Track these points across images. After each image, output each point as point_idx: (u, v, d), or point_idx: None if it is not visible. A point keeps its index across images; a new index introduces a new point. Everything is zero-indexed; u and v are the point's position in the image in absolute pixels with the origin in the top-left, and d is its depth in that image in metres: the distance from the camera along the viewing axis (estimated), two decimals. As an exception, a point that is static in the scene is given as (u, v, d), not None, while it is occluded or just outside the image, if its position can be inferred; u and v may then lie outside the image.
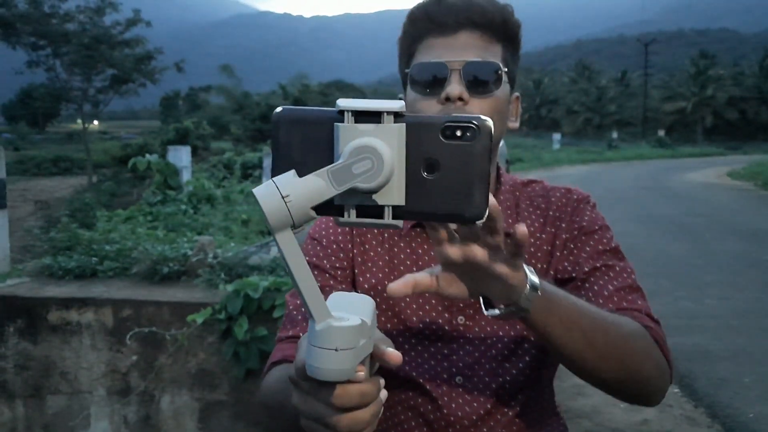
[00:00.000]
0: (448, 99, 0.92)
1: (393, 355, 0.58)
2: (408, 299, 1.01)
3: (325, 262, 1.04)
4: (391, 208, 0.51)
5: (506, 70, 0.98)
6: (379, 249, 1.04)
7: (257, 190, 0.49)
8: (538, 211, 1.06)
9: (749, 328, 4.82)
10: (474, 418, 0.99)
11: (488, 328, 1.00)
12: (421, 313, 1.01)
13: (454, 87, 0.92)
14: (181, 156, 9.22)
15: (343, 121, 0.50)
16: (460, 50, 0.94)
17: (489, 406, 0.99)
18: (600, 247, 1.02)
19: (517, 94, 1.06)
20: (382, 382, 0.59)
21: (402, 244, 1.03)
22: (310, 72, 48.41)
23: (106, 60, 23.21)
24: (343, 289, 1.02)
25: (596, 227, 1.04)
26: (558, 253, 1.03)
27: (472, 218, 0.52)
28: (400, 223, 0.51)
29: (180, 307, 4.11)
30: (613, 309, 0.94)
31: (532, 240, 1.04)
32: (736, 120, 53.91)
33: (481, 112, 0.93)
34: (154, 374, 4.14)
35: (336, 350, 0.51)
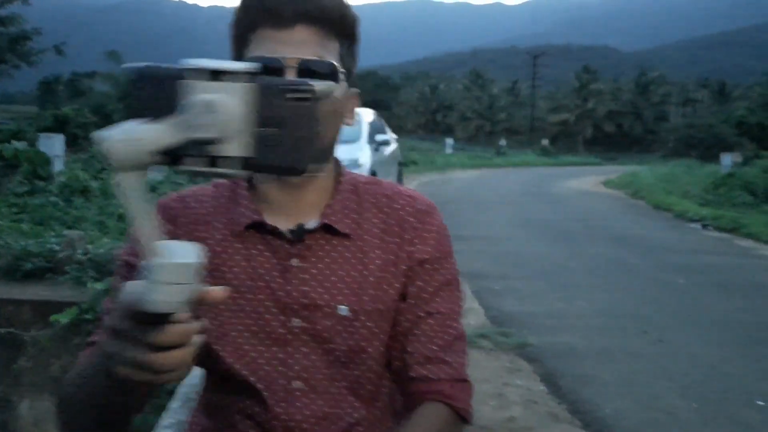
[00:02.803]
0: None
1: (216, 292, 0.61)
2: (243, 302, 0.98)
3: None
4: (236, 159, 0.55)
5: (343, 68, 0.96)
6: (215, 249, 1.00)
7: (102, 132, 0.54)
8: (381, 215, 1.04)
9: (612, 328, 5.16)
10: (312, 422, 0.98)
11: (325, 334, 0.99)
12: (255, 314, 0.98)
13: None
14: (53, 144, 8.65)
15: (193, 78, 0.55)
16: (296, 46, 0.91)
17: (328, 410, 0.99)
18: (436, 280, 1.04)
19: (356, 91, 1.04)
20: (201, 324, 0.62)
21: (237, 245, 1.00)
22: (205, 63, 46.82)
23: (-24, 38, 21.45)
24: None
25: (438, 255, 1.04)
26: (404, 267, 1.03)
27: (299, 171, 0.58)
28: (243, 173, 0.56)
29: (43, 306, 3.85)
30: (427, 376, 1.00)
31: (378, 241, 1.03)
32: (614, 132, 57.76)
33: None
34: (11, 378, 3.85)
35: (173, 284, 0.55)
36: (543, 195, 16.73)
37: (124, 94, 34.98)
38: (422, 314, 1.01)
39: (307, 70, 0.91)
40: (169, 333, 0.58)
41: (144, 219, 0.55)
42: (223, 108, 0.54)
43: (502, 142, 43.69)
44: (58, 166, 8.59)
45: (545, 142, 48.27)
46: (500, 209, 12.75)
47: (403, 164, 14.93)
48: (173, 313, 0.57)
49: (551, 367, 4.20)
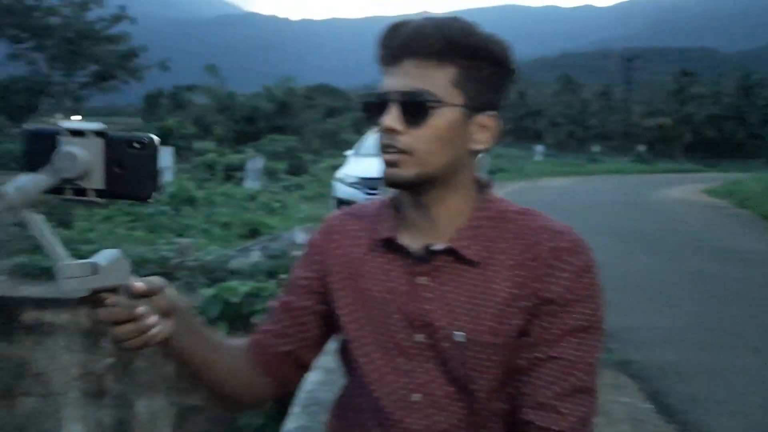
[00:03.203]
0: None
1: (136, 285, 0.84)
2: (376, 311, 1.04)
3: (295, 273, 1.15)
4: (94, 190, 0.78)
5: (458, 92, 0.97)
6: (348, 262, 1.09)
7: (6, 187, 0.74)
8: (519, 247, 1.01)
9: (718, 345, 4.91)
10: None
11: (444, 355, 1.00)
12: (385, 325, 1.04)
13: (386, 118, 0.96)
14: (163, 156, 9.19)
15: (62, 136, 0.77)
16: (401, 79, 0.97)
17: (445, 426, 1.01)
18: (565, 323, 0.97)
19: (489, 113, 1.02)
20: (142, 309, 0.84)
21: (375, 259, 1.07)
22: (296, 74, 48.15)
23: (89, 55, 22.99)
24: (303, 301, 1.12)
25: (570, 298, 0.98)
26: (528, 303, 0.98)
27: (145, 198, 0.80)
28: (99, 200, 0.79)
29: (158, 310, 4.08)
30: (535, 423, 0.95)
31: (508, 272, 1.00)
32: (715, 137, 54.79)
33: (417, 141, 0.96)
34: (130, 377, 4.10)
35: (69, 278, 0.78)
36: (639, 204, 16.11)
37: (222, 107, 36.64)
38: (543, 357, 0.97)
39: (407, 101, 0.96)
40: (102, 313, 0.83)
41: (48, 239, 0.77)
42: (81, 156, 0.76)
43: (595, 148, 42.42)
44: (167, 176, 9.10)
45: (641, 147, 46.43)
46: (593, 219, 12.38)
47: (493, 173, 14.78)
48: (91, 297, 0.80)
49: (656, 385, 4.05)
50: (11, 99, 52.55)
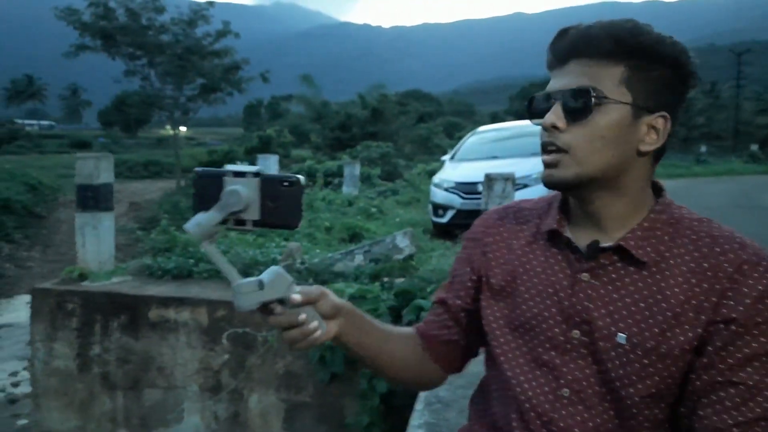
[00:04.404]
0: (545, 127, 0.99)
1: (293, 297, 0.94)
2: (531, 304, 1.05)
3: (454, 267, 1.21)
4: (251, 221, 0.90)
5: (625, 91, 0.96)
6: (507, 254, 1.12)
7: (185, 224, 0.89)
8: (696, 254, 0.97)
9: None
10: None
11: (601, 354, 0.98)
12: (541, 318, 1.04)
13: (548, 116, 0.97)
14: (269, 164, 9.60)
15: (227, 176, 0.91)
16: (564, 79, 0.98)
17: (593, 426, 0.98)
18: (749, 347, 0.91)
19: (659, 114, 0.99)
20: (303, 316, 0.94)
21: (537, 253, 1.08)
22: (388, 81, 48.70)
23: (197, 70, 24.18)
24: (456, 298, 1.19)
25: (755, 320, 0.91)
26: (704, 318, 0.93)
27: (292, 227, 0.93)
28: (255, 228, 0.92)
29: (270, 309, 4.27)
30: None
31: (681, 280, 0.96)
32: (838, 135, 50.61)
33: (578, 138, 0.96)
34: (244, 374, 4.31)
35: (241, 294, 0.91)
36: (756, 207, 15.11)
37: (317, 115, 37.60)
38: (722, 380, 0.91)
39: (570, 98, 0.97)
40: (271, 320, 0.95)
41: (224, 265, 0.91)
42: (243, 193, 0.89)
43: (702, 148, 40.27)
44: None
45: (754, 147, 43.55)
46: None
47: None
48: (262, 308, 0.93)
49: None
50: (127, 112, 56.24)
